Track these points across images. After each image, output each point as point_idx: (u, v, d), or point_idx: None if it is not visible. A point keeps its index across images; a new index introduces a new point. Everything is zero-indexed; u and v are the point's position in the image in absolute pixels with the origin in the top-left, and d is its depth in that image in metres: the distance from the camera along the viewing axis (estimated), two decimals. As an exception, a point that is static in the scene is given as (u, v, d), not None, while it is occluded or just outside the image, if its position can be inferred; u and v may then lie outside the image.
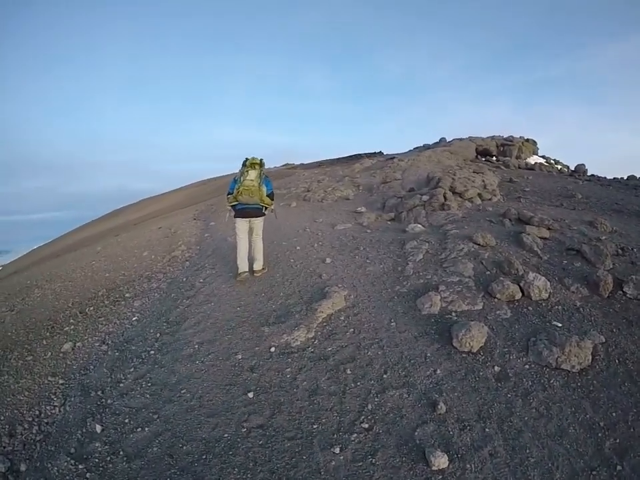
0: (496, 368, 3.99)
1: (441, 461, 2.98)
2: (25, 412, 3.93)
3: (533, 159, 22.20)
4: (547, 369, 3.95)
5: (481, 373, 3.93)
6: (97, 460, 3.28)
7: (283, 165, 30.61)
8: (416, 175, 13.91)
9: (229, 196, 6.31)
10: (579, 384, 3.78)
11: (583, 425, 3.35)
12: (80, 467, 3.23)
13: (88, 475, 3.15)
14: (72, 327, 5.62)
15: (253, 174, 6.16)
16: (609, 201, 10.73)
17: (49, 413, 3.91)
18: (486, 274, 5.79)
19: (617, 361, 4.04)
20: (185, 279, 6.93)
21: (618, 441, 3.21)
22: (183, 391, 3.97)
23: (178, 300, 6.08)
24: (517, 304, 5.06)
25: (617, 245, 6.54)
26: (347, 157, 26.07)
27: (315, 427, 3.43)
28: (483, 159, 20.12)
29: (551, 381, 3.81)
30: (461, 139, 22.02)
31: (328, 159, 27.30)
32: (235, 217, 6.39)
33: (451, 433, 3.30)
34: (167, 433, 3.47)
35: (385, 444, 3.23)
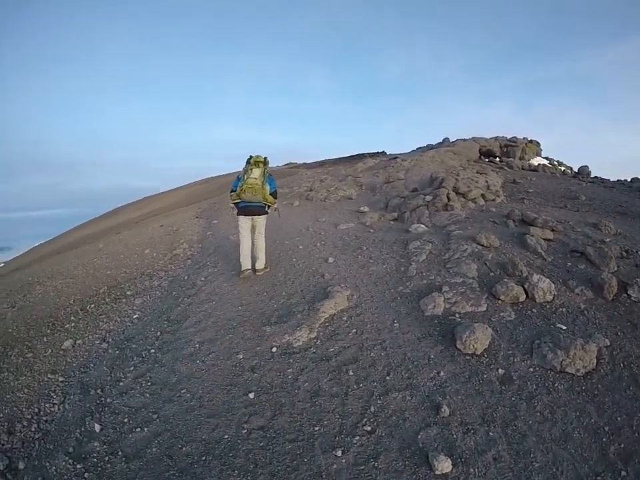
0: (500, 371, 3.95)
1: (444, 465, 2.93)
2: (24, 409, 3.91)
3: (536, 160, 22.10)
4: (552, 372, 3.91)
5: (485, 376, 3.89)
6: (95, 460, 3.24)
7: (286, 164, 30.55)
8: (419, 175, 13.85)
9: (232, 193, 6.30)
10: (583, 388, 3.74)
11: (587, 430, 3.31)
12: (78, 466, 3.19)
13: (86, 474, 3.12)
14: (73, 324, 5.60)
15: (256, 172, 6.15)
16: (613, 203, 10.65)
17: (48, 411, 3.89)
18: (490, 275, 5.75)
19: (621, 364, 4.00)
20: (186, 277, 6.90)
21: (622, 445, 3.17)
22: (183, 391, 3.94)
23: (179, 298, 6.05)
24: (521, 306, 5.01)
25: (621, 247, 6.49)
26: (349, 156, 25.98)
27: (316, 429, 3.39)
28: (487, 160, 20.04)
29: (556, 385, 3.77)
30: (464, 140, 21.93)
31: (330, 158, 27.22)
32: (238, 214, 6.37)
33: (455, 436, 3.25)
34: (166, 434, 3.43)
35: (388, 447, 3.18)
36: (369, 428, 3.36)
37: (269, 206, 6.40)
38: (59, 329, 5.51)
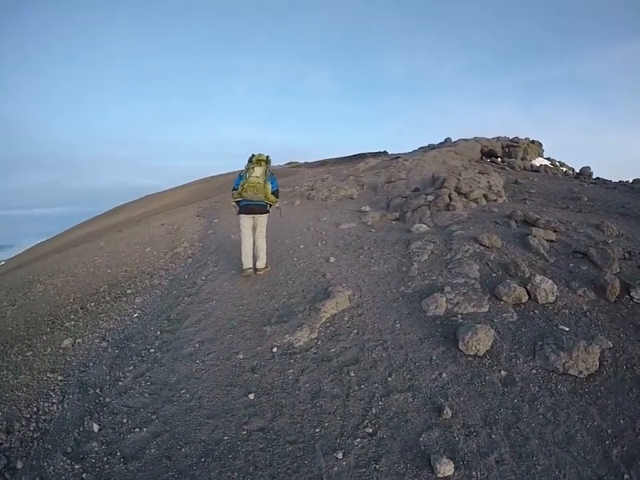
0: (502, 372, 3.92)
1: (446, 468, 2.90)
2: (22, 408, 3.88)
3: (538, 161, 22.09)
4: (554, 374, 3.88)
5: (487, 378, 3.85)
6: (93, 460, 3.21)
7: (287, 164, 30.55)
8: (421, 175, 13.84)
9: (234, 192, 6.29)
10: (586, 390, 3.71)
11: (590, 432, 3.28)
12: (76, 466, 3.17)
13: (84, 475, 3.09)
14: (72, 322, 5.59)
15: (258, 171, 6.14)
16: (615, 204, 10.63)
17: (47, 410, 3.86)
18: (492, 276, 5.72)
19: (624, 367, 3.96)
20: (186, 276, 6.88)
21: (625, 449, 3.14)
22: (182, 391, 3.91)
23: (179, 297, 6.03)
24: (523, 307, 4.98)
25: (624, 248, 6.46)
26: (351, 156, 25.99)
27: (317, 430, 3.35)
28: (488, 160, 20.03)
29: (558, 387, 3.74)
30: (466, 140, 21.93)
31: (332, 158, 27.22)
32: (239, 213, 6.35)
33: (457, 438, 3.22)
34: (165, 434, 3.40)
35: (389, 449, 3.15)
36: (370, 430, 3.33)
37: (270, 205, 6.37)
38: (58, 327, 5.50)
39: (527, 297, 5.10)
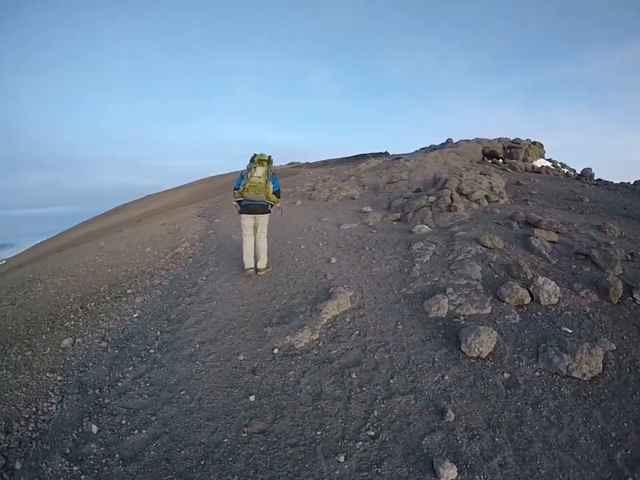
0: (505, 375, 3.89)
1: (449, 471, 2.87)
2: (21, 408, 3.85)
3: (539, 162, 22.05)
4: (558, 377, 3.86)
5: (490, 380, 3.83)
6: (92, 462, 3.18)
7: (289, 164, 30.53)
8: (422, 176, 13.82)
9: (235, 191, 6.27)
10: (589, 392, 3.69)
11: (594, 435, 3.26)
12: (75, 468, 3.13)
13: (82, 477, 3.05)
14: (72, 322, 5.56)
15: (260, 170, 6.12)
16: (617, 206, 10.62)
17: (46, 410, 3.83)
18: (494, 277, 5.70)
19: (628, 369, 3.94)
20: (187, 276, 6.84)
21: (629, 452, 3.12)
22: (182, 392, 3.87)
23: (180, 297, 5.99)
24: (525, 308, 4.96)
25: (626, 250, 6.45)
26: (352, 156, 25.97)
27: (318, 433, 3.32)
28: (490, 161, 20.01)
29: (562, 389, 3.72)
30: (467, 141, 21.90)
31: (333, 158, 27.21)
32: (240, 212, 6.33)
33: (460, 442, 3.19)
34: (164, 436, 3.36)
35: (392, 453, 3.12)
36: (372, 433, 3.30)
37: (271, 205, 6.35)
38: (58, 327, 5.47)
39: (530, 298, 5.07)
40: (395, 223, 9.49)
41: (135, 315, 5.59)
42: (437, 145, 23.92)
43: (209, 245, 8.65)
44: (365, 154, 25.32)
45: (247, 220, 6.30)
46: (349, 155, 26.59)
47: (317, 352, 4.39)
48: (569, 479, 2.89)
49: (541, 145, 24.17)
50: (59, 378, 4.31)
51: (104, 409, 3.75)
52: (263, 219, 6.36)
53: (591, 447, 3.15)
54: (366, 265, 6.60)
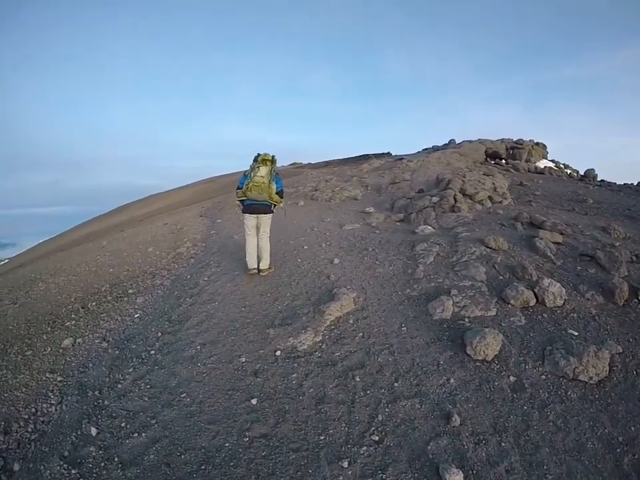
0: (511, 378, 3.85)
1: (455, 477, 2.82)
2: (21, 409, 3.81)
3: (542, 163, 22.02)
4: (564, 380, 3.82)
5: (496, 383, 3.79)
6: (90, 465, 3.12)
7: (291, 164, 30.53)
8: (425, 176, 13.78)
9: (238, 191, 6.24)
10: (596, 396, 3.66)
11: (601, 440, 3.23)
12: (73, 471, 3.08)
13: (81, 480, 3.01)
14: (73, 322, 5.52)
15: (263, 170, 6.10)
16: (621, 207, 10.60)
17: (46, 411, 3.79)
18: (499, 278, 5.66)
19: (634, 372, 3.92)
20: (189, 277, 6.80)
21: (637, 457, 3.10)
22: (182, 395, 3.81)
23: (181, 298, 5.95)
24: (531, 310, 4.93)
25: (631, 251, 6.41)
26: (355, 157, 25.96)
27: (321, 438, 3.27)
28: (493, 162, 19.99)
29: (568, 393, 3.68)
30: (470, 141, 21.89)
31: (336, 158, 27.20)
32: (243, 212, 6.32)
33: (466, 447, 3.14)
34: (164, 440, 3.31)
35: (396, 458, 3.07)
36: (376, 437, 3.25)
37: (274, 205, 6.32)
38: (59, 326, 5.43)
39: (535, 300, 5.04)
40: (398, 223, 9.46)
41: (136, 316, 5.54)
42: (439, 145, 23.91)
43: (211, 245, 8.61)
44: (368, 154, 25.31)
45: (250, 220, 6.27)
46: (351, 156, 26.59)
47: (320, 354, 4.34)
48: (576, 484, 2.84)
49: (544, 145, 24.14)
50: (58, 379, 4.26)
51: (103, 411, 3.70)
52: (266, 219, 6.33)
53: (598, 452, 3.12)
54: (369, 265, 6.56)
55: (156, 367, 4.29)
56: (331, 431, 3.32)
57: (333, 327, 4.82)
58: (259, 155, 6.18)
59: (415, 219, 9.32)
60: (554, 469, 2.97)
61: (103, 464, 3.13)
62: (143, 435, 3.38)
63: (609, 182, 17.08)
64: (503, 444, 3.17)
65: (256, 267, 6.48)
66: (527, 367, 3.98)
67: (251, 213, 6.22)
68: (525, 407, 3.52)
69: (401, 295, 5.53)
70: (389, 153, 25.68)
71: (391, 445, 3.18)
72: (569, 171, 21.73)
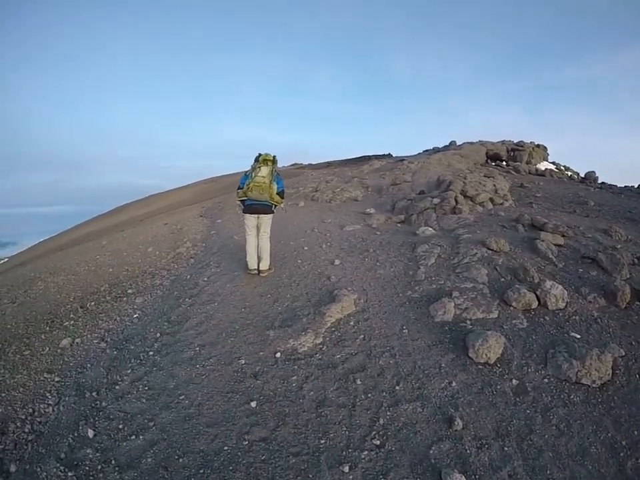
0: (514, 381, 3.82)
1: (458, 483, 2.78)
2: (18, 409, 3.76)
3: (543, 165, 22.04)
4: (567, 384, 3.80)
5: (499, 387, 3.75)
6: (87, 468, 3.07)
7: (291, 165, 30.53)
8: (426, 178, 13.77)
9: (239, 191, 6.23)
10: (599, 400, 3.63)
11: (604, 444, 3.21)
12: (69, 474, 3.03)
13: (77, 484, 2.97)
14: (72, 321, 5.49)
15: (264, 170, 6.09)
16: (622, 209, 10.60)
17: (43, 412, 3.74)
18: (500, 281, 5.63)
19: (637, 375, 3.90)
20: (188, 277, 6.77)
21: (640, 461, 3.06)
22: (181, 397, 3.76)
23: (180, 298, 5.91)
24: (533, 313, 4.90)
25: (633, 254, 6.41)
26: (355, 158, 25.97)
27: (322, 442, 3.22)
28: (493, 164, 19.99)
29: (571, 396, 3.66)
30: (471, 143, 21.90)
31: (336, 159, 27.21)
32: (244, 212, 6.30)
33: (468, 451, 3.10)
34: (162, 443, 3.26)
35: (398, 463, 3.02)
36: (378, 442, 3.20)
37: (275, 205, 6.30)
38: (57, 326, 5.40)
39: (537, 302, 5.01)
40: (398, 225, 9.43)
41: (134, 316, 5.50)
42: (440, 147, 23.91)
43: (211, 246, 8.58)
44: (368, 156, 25.31)
45: (250, 220, 6.26)
46: (352, 157, 26.59)
47: (320, 356, 4.29)
48: (579, 489, 2.82)
49: (545, 147, 24.16)
50: (56, 379, 4.22)
51: (101, 413, 3.65)
52: (266, 219, 6.30)
53: (602, 456, 3.10)
54: (370, 267, 6.53)
55: (154, 369, 4.24)
56: (332, 435, 3.28)
57: (333, 328, 4.78)
58: (260, 155, 6.16)
59: (416, 221, 9.29)
60: (557, 474, 2.94)
61: (99, 467, 3.08)
62: (141, 437, 3.33)
63: (609, 184, 17.09)
64: (506, 448, 3.13)
65: (256, 267, 6.46)
66: (529, 370, 3.95)
67: (251, 213, 6.20)
68: (528, 411, 3.49)
69: (402, 296, 5.50)
70: (389, 154, 25.68)
71: (393, 449, 3.14)
72: (569, 173, 21.74)
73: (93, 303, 6.06)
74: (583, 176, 19.79)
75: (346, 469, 2.96)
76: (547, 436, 3.25)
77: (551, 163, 23.73)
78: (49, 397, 3.95)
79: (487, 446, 3.15)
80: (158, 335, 4.93)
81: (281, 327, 4.88)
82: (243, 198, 6.17)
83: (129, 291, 6.40)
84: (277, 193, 6.18)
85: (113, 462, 3.11)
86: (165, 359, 4.41)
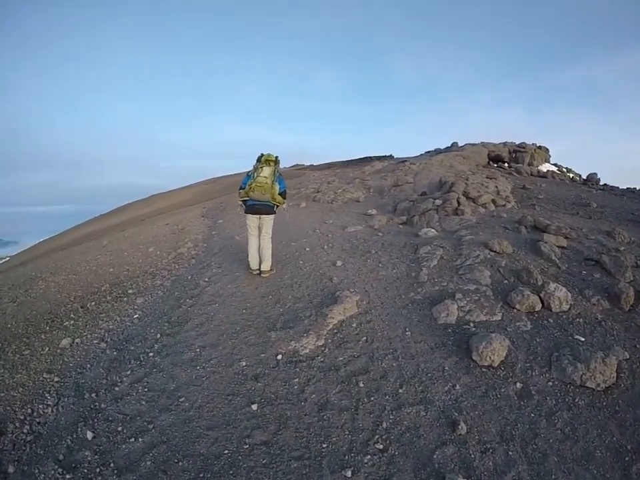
0: (518, 385, 3.78)
1: (462, 488, 2.74)
2: (17, 409, 3.73)
3: (545, 167, 22.03)
4: (571, 387, 3.76)
5: (503, 390, 3.71)
6: (85, 470, 3.03)
7: (293, 166, 30.53)
8: (428, 179, 13.75)
9: (241, 191, 6.20)
10: (604, 403, 3.60)
11: (609, 448, 3.17)
12: (67, 476, 2.99)
13: (75, 486, 2.92)
14: (72, 321, 5.45)
15: (267, 171, 6.06)
16: (624, 211, 10.58)
17: (42, 412, 3.70)
18: (503, 282, 5.59)
19: (641, 379, 3.84)
20: (189, 277, 6.73)
21: (645, 465, 3.03)
22: (181, 399, 3.72)
23: (181, 299, 5.87)
24: (536, 315, 4.86)
25: (636, 256, 6.38)
26: (357, 159, 25.96)
27: (324, 446, 3.17)
28: (495, 165, 19.97)
29: (576, 400, 3.62)
30: (473, 144, 21.90)
31: (338, 160, 27.20)
32: (245, 212, 6.28)
33: (473, 456, 3.06)
34: (162, 446, 3.21)
35: (401, 468, 2.98)
36: (381, 446, 3.16)
37: (277, 206, 6.27)
38: (57, 326, 5.37)
39: (541, 305, 4.97)
40: (400, 226, 9.38)
41: (135, 316, 5.47)
42: (442, 148, 23.91)
43: (212, 246, 8.55)
44: (370, 157, 25.31)
45: (252, 220, 6.24)
46: (353, 158, 26.58)
47: (322, 359, 4.25)
48: (585, 494, 2.79)
49: (547, 149, 24.17)
50: (55, 379, 4.18)
51: (100, 415, 3.60)
52: (268, 220, 6.28)
53: (607, 461, 3.07)
54: (372, 268, 6.48)
55: (154, 370, 4.20)
56: (334, 439, 3.23)
57: (335, 330, 4.74)
58: (262, 155, 6.13)
59: (418, 222, 9.24)
60: (562, 479, 2.90)
61: (98, 469, 3.04)
62: (140, 440, 3.28)
63: (611, 186, 17.07)
64: (510, 453, 3.09)
65: (258, 267, 6.45)
66: (533, 373, 3.91)
67: (253, 214, 6.18)
68: (532, 415, 3.45)
69: (405, 298, 5.45)
70: (391, 155, 25.68)
71: (396, 453, 3.10)
72: (571, 175, 21.72)
73: (93, 303, 6.03)
74: (585, 178, 19.77)
75: (348, 473, 2.92)
76: (551, 440, 3.21)
77: (552, 164, 23.73)
78: (48, 397, 3.91)
79: (491, 450, 3.11)
80: (158, 335, 4.88)
81: (282, 328, 4.83)
82: (245, 198, 6.14)
83: (130, 291, 6.37)
84: (279, 194, 6.16)
85: (112, 465, 3.07)
86: (165, 360, 4.36)
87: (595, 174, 18.87)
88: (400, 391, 3.73)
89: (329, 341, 4.55)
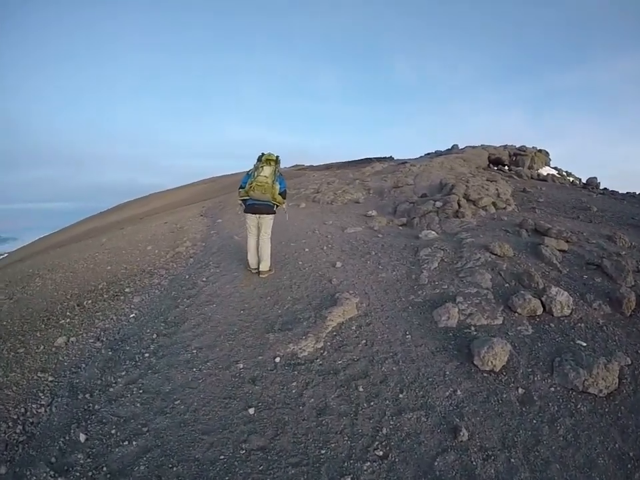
0: (520, 390, 3.72)
1: (464, 497, 2.67)
2: (10, 408, 3.67)
3: (545, 170, 22.06)
4: (574, 393, 3.70)
5: (504, 396, 3.65)
6: (77, 474, 2.96)
7: (293, 166, 30.52)
8: (428, 181, 13.72)
9: (241, 190, 6.17)
10: (606, 410, 3.54)
11: (612, 455, 3.12)
12: (59, 479, 2.93)
13: (67, 490, 2.86)
14: (68, 320, 5.41)
15: (267, 170, 6.02)
16: (625, 215, 10.54)
17: (35, 412, 3.65)
18: (505, 286, 5.54)
19: (644, 384, 3.79)
20: (187, 277, 6.68)
21: (647, 473, 2.98)
22: (176, 402, 3.65)
23: (178, 299, 5.81)
24: (538, 320, 4.80)
25: (637, 261, 6.34)
26: (357, 160, 25.96)
27: (322, 452, 3.11)
28: (496, 168, 19.97)
29: (578, 406, 3.56)
30: (473, 147, 21.92)
31: (338, 161, 27.20)
32: (245, 212, 6.25)
33: (474, 463, 2.99)
34: (156, 450, 3.14)
35: (402, 475, 2.91)
36: (380, 452, 3.09)
37: (277, 206, 6.23)
38: (53, 324, 5.32)
39: (542, 309, 4.92)
40: (400, 227, 9.33)
41: (131, 315, 5.41)
42: (442, 150, 23.93)
43: (210, 245, 8.50)
44: (370, 158, 25.31)
45: (251, 219, 6.21)
46: (354, 159, 26.59)
47: (321, 362, 4.18)
48: (587, 502, 2.74)
49: (547, 152, 24.21)
50: (50, 378, 4.13)
51: (93, 416, 3.54)
52: (268, 220, 6.23)
53: (609, 468, 3.02)
54: (372, 270, 6.43)
55: (149, 371, 4.13)
56: (333, 445, 3.17)
57: (334, 333, 4.68)
58: (263, 154, 6.10)
59: (418, 224, 9.19)
60: (564, 487, 2.84)
61: (90, 473, 2.97)
62: (134, 443, 3.22)
63: (612, 190, 17.07)
64: (512, 460, 3.04)
65: (257, 266, 6.42)
66: (535, 378, 3.86)
67: (252, 213, 6.14)
68: (535, 421, 3.39)
69: (405, 301, 5.39)
70: (391, 157, 25.68)
71: (396, 460, 3.03)
72: (571, 179, 21.75)
73: (89, 301, 5.98)
74: (584, 182, 19.78)
75: (348, 481, 2.86)
76: (554, 447, 3.16)
77: (552, 168, 23.75)
78: (42, 397, 3.85)
79: (493, 457, 3.05)
80: (154, 335, 4.82)
81: (280, 330, 4.77)
82: (245, 197, 6.11)
83: (127, 290, 6.32)
84: (279, 194, 6.13)
85: (105, 469, 3.00)
86: (161, 361, 4.30)
87: (595, 178, 18.89)
88: (400, 395, 3.66)
89: (328, 343, 4.49)
